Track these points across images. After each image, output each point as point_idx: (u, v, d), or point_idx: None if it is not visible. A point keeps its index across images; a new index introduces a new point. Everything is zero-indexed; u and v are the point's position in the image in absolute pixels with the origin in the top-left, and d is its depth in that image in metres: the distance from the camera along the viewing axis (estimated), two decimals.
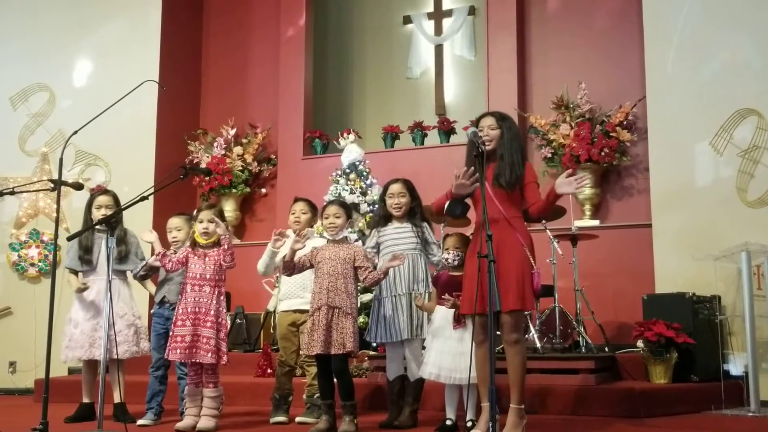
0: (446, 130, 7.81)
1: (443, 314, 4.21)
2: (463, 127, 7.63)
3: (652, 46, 6.56)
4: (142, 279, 5.10)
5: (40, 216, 7.83)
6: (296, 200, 5.01)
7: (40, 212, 7.82)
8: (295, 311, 4.87)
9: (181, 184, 7.61)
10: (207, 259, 4.44)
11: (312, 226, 4.96)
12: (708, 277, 5.67)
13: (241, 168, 8.20)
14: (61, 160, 3.99)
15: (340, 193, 6.94)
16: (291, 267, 4.32)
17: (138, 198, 3.95)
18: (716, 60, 6.28)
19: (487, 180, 3.85)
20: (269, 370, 6.24)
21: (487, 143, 3.98)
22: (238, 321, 7.21)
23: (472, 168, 3.81)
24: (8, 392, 7.32)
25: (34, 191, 7.20)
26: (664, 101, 6.44)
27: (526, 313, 4.94)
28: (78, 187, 4.28)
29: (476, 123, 4.14)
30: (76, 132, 3.97)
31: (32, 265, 7.70)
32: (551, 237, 5.86)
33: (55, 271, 4.22)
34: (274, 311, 6.08)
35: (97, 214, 4.97)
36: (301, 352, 4.57)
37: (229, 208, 8.25)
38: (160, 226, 6.47)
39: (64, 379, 6.46)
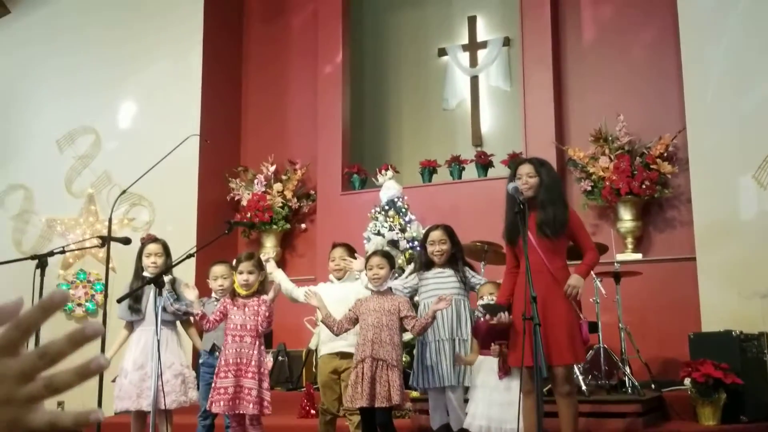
0: (484, 163, 7.81)
1: (487, 364, 4.21)
2: (501, 160, 7.63)
3: (691, 77, 6.51)
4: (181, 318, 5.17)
5: (87, 256, 7.99)
6: (334, 246, 5.04)
7: (87, 252, 7.98)
8: (337, 354, 4.89)
9: (221, 221, 7.78)
10: (247, 309, 4.47)
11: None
12: (755, 313, 5.60)
13: (281, 204, 8.29)
14: (110, 220, 4.09)
15: (379, 230, 6.97)
16: (341, 327, 4.38)
17: (185, 256, 4.03)
18: (757, 91, 6.21)
19: (529, 229, 3.87)
20: (312, 411, 6.28)
21: (526, 190, 4.01)
22: (280, 358, 7.25)
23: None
24: None
25: (83, 249, 7.36)
26: (705, 133, 6.37)
27: None
28: (126, 242, 4.37)
29: (514, 170, 4.17)
30: (124, 192, 4.10)
31: (79, 305, 7.86)
32: (594, 276, 5.81)
33: (106, 317, 4.27)
34: (316, 349, 6.12)
35: (147, 262, 5.06)
36: (344, 404, 4.59)
37: (270, 244, 8.34)
38: (201, 270, 6.60)
39: (112, 420, 6.54)
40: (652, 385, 5.81)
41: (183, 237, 7.37)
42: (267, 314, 4.44)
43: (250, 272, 4.50)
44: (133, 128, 8.27)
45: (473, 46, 8.72)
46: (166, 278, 4.84)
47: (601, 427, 5.05)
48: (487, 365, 4.22)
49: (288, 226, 8.41)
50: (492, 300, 4.25)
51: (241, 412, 4.35)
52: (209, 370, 4.88)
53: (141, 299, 5.08)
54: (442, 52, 8.87)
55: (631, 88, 7.40)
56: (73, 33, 8.56)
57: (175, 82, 8.25)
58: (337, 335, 4.57)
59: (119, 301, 4.32)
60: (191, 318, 5.04)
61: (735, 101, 6.27)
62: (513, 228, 4.07)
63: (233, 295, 4.55)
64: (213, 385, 4.41)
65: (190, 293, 4.54)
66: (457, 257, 4.65)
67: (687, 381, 5.35)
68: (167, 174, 7.86)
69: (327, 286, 5.03)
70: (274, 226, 8.29)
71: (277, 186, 8.36)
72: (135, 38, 8.38)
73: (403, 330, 4.37)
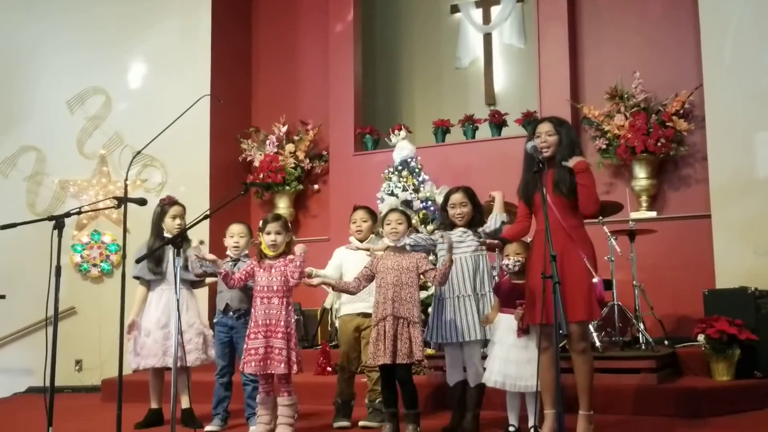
0: (497, 123, 7.75)
1: (506, 322, 4.22)
2: (515, 119, 7.59)
3: (709, 34, 6.41)
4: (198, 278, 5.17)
5: (100, 217, 8.02)
6: (356, 208, 5.03)
7: (100, 214, 8.00)
8: (358, 314, 4.92)
9: (235, 184, 7.77)
10: (273, 270, 4.47)
11: (373, 233, 5.00)
12: None
13: (293, 165, 8.27)
14: (125, 181, 4.09)
15: (392, 191, 6.95)
16: (359, 285, 4.40)
17: (202, 217, 4.03)
18: None
19: (546, 187, 3.85)
20: (328, 368, 6.35)
21: (544, 149, 3.99)
22: (295, 317, 7.30)
23: None
24: (75, 389, 7.54)
25: (99, 210, 7.37)
26: (722, 90, 6.30)
27: None
28: (142, 203, 4.35)
29: (533, 129, 4.14)
30: (138, 153, 4.08)
31: (94, 266, 7.90)
32: (609, 234, 5.81)
33: (124, 281, 4.24)
34: (331, 308, 6.16)
35: (173, 224, 5.09)
36: (366, 362, 4.61)
37: (283, 205, 8.35)
38: (215, 231, 6.61)
39: (129, 379, 6.61)
40: (666, 342, 5.84)
41: (196, 198, 7.36)
42: (299, 263, 4.40)
43: (278, 233, 4.49)
44: (143, 88, 8.23)
45: (486, 3, 8.59)
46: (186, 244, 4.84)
47: (615, 382, 5.08)
48: (504, 323, 4.23)
49: (301, 187, 8.40)
50: (518, 261, 4.22)
51: (272, 371, 4.38)
52: (223, 329, 4.93)
53: (162, 260, 5.11)
54: (455, 9, 8.75)
55: (648, 45, 7.29)
56: None
57: (185, 42, 8.19)
58: (355, 294, 4.60)
59: (139, 261, 4.33)
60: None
61: (753, 56, 6.17)
62: (528, 186, 4.07)
63: (260, 256, 4.53)
64: (245, 346, 4.42)
65: (209, 256, 4.54)
66: (478, 219, 4.59)
67: (701, 337, 5.38)
68: (179, 135, 7.73)
69: (346, 249, 5.05)
70: (287, 187, 8.28)
71: (289, 147, 8.34)
72: None
73: (419, 288, 4.37)
